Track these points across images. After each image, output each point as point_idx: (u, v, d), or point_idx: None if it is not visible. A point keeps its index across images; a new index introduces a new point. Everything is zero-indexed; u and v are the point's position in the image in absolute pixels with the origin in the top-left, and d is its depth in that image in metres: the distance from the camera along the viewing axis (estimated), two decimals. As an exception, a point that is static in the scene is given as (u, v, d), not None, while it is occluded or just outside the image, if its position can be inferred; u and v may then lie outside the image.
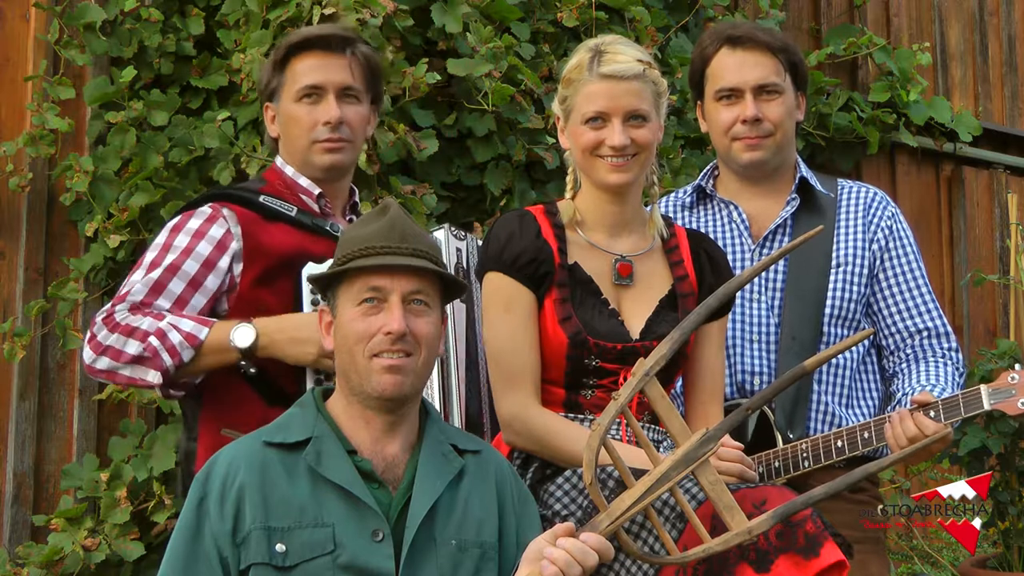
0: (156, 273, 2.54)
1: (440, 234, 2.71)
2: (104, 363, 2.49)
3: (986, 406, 2.54)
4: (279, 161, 2.74)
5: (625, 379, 2.42)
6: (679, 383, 2.63)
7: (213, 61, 3.81)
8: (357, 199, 2.85)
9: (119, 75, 3.72)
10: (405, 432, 2.18)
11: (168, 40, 3.76)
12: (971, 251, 5.68)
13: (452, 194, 3.94)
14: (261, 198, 2.64)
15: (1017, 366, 2.64)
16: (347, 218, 2.78)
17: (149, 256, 2.59)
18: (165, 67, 3.79)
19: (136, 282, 2.54)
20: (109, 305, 2.53)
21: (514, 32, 3.97)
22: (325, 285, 2.22)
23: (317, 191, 2.69)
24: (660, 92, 2.50)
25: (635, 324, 2.48)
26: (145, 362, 2.47)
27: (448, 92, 3.91)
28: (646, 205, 2.61)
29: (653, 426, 2.48)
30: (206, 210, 2.61)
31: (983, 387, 2.56)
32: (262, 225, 2.61)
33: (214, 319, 2.52)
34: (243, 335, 2.47)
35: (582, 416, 2.45)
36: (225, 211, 2.60)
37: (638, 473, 2.14)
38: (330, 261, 2.54)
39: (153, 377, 2.48)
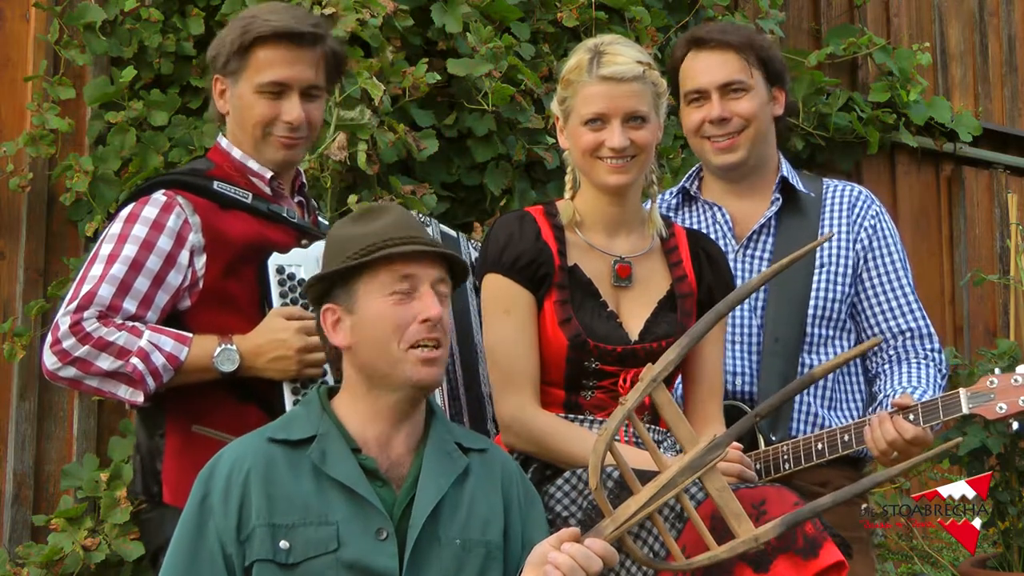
0: (119, 270, 2.43)
1: None
2: (70, 372, 2.40)
3: (965, 410, 2.53)
4: (224, 142, 2.64)
5: (625, 381, 2.43)
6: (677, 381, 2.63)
7: (213, 61, 3.80)
8: (304, 179, 2.78)
9: (119, 75, 3.72)
10: (411, 430, 2.18)
11: (168, 40, 3.75)
12: (971, 251, 5.68)
13: (452, 194, 3.94)
14: (215, 184, 2.55)
15: (997, 370, 2.64)
16: (296, 200, 2.70)
17: (106, 248, 2.47)
18: (165, 67, 3.79)
19: (97, 278, 2.43)
20: (74, 308, 2.40)
21: (514, 32, 3.98)
22: (333, 282, 2.17)
23: (270, 174, 2.61)
24: (660, 93, 2.49)
25: (634, 326, 2.48)
26: (120, 378, 2.41)
27: (448, 92, 3.91)
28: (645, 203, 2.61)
29: (652, 426, 2.48)
30: (160, 198, 2.49)
31: (962, 391, 2.54)
32: (219, 214, 2.52)
33: (189, 334, 2.45)
34: (226, 360, 2.43)
35: (582, 417, 2.45)
36: (180, 199, 2.49)
37: (640, 474, 2.14)
38: (295, 250, 2.51)
39: (126, 393, 2.42)
